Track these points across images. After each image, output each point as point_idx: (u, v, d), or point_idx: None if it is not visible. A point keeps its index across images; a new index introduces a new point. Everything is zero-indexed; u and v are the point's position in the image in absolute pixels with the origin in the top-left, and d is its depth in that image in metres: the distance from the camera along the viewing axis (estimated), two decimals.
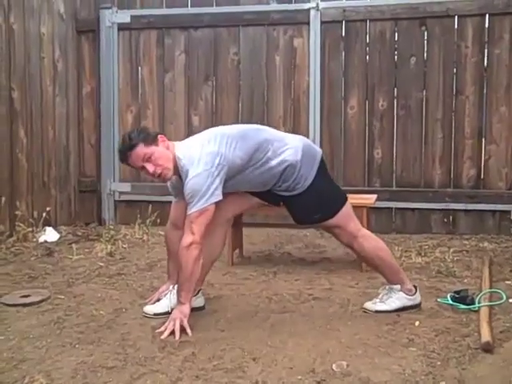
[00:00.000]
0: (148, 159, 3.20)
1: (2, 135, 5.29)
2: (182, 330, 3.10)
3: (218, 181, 3.13)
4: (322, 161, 3.42)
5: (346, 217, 3.41)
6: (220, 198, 3.14)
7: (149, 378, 2.66)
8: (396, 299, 3.43)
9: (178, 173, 3.25)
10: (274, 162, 3.28)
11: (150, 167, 3.21)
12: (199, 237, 3.12)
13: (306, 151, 3.35)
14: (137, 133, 3.27)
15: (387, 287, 3.49)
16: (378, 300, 3.47)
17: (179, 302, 3.20)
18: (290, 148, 3.32)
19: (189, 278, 3.16)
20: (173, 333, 3.09)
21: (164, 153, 3.23)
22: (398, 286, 3.44)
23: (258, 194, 3.45)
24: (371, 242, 3.45)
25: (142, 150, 3.20)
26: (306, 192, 3.32)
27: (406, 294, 3.44)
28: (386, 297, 3.45)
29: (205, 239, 3.18)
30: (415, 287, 3.50)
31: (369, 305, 3.47)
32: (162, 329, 3.14)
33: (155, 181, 3.54)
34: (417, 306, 3.47)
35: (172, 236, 3.53)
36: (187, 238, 3.12)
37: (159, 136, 3.27)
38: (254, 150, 3.27)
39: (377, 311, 3.42)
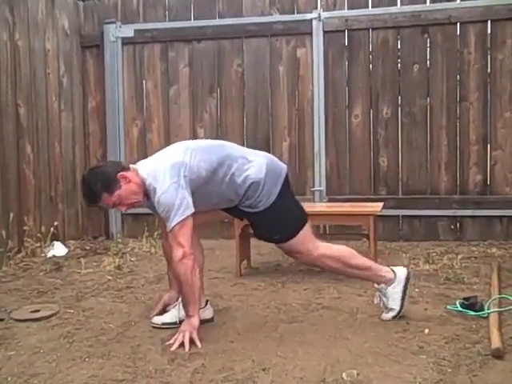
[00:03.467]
0: (117, 203, 3.26)
1: (9, 151, 5.32)
2: (192, 342, 3.10)
3: (187, 191, 3.15)
4: (286, 177, 3.40)
5: (306, 238, 3.36)
6: (193, 208, 3.15)
7: None
8: (392, 299, 3.39)
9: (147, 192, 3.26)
10: (238, 180, 3.27)
11: (121, 208, 3.32)
12: (188, 247, 3.13)
13: (270, 168, 3.34)
14: (93, 185, 3.21)
15: (377, 294, 3.46)
16: (384, 310, 3.45)
17: (188, 315, 3.20)
18: (254, 165, 3.31)
19: (191, 290, 3.17)
20: (182, 345, 3.08)
21: (129, 190, 3.23)
22: (383, 285, 3.41)
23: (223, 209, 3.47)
24: (333, 253, 3.40)
25: (107, 199, 3.23)
26: (268, 210, 3.30)
27: (392, 285, 3.39)
28: (385, 303, 3.43)
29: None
30: (391, 269, 3.44)
31: (384, 316, 3.45)
32: (172, 341, 3.13)
33: None
34: (408, 279, 3.42)
35: (168, 247, 3.56)
36: (178, 252, 3.12)
37: (118, 176, 3.21)
38: (217, 163, 3.27)
39: (393, 318, 3.40)
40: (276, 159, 3.51)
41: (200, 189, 3.22)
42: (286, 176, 3.41)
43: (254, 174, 3.28)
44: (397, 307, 3.40)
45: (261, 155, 3.44)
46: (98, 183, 3.20)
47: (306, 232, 3.37)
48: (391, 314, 3.41)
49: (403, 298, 3.40)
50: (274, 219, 3.32)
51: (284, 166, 3.46)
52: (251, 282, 4.41)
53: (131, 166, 3.36)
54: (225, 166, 3.28)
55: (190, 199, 3.15)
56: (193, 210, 3.15)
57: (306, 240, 3.36)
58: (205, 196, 3.25)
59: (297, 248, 3.36)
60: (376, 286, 3.46)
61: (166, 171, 3.16)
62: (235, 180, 3.27)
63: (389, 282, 3.40)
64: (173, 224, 3.11)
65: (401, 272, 3.45)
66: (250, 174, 3.28)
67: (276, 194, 3.30)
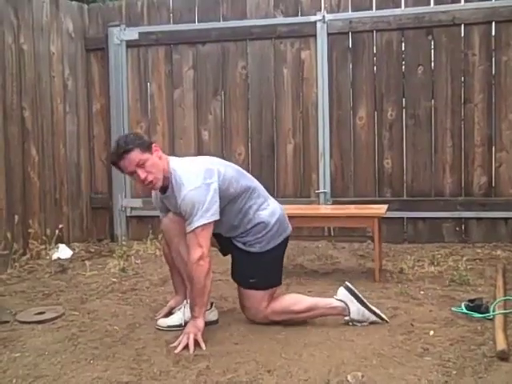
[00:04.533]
0: (141, 165, 3.20)
1: (14, 154, 5.34)
2: (196, 343, 3.11)
3: (216, 196, 3.16)
4: (287, 238, 3.46)
5: (267, 298, 3.38)
6: (219, 216, 3.17)
7: None
8: (362, 317, 3.36)
9: (165, 185, 3.27)
10: (252, 214, 3.33)
11: (141, 173, 3.20)
12: (207, 249, 3.14)
13: (281, 219, 3.42)
14: (133, 137, 3.29)
15: (350, 324, 3.40)
16: (377, 321, 3.41)
17: (193, 317, 3.20)
18: (269, 209, 3.39)
19: (202, 293, 3.17)
20: (187, 347, 3.09)
21: (157, 162, 3.24)
22: (347, 318, 3.39)
23: (216, 234, 3.40)
24: (276, 308, 3.39)
25: (136, 155, 3.19)
26: (260, 255, 3.35)
27: (350, 310, 3.36)
28: (362, 323, 3.38)
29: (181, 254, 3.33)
30: (335, 299, 3.42)
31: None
32: (176, 343, 3.14)
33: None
34: (351, 289, 3.41)
35: (168, 252, 3.58)
36: (195, 253, 3.12)
37: (153, 145, 3.29)
38: (243, 188, 3.32)
39: (384, 319, 3.40)
40: (286, 216, 3.54)
41: (222, 202, 3.23)
42: (288, 237, 3.47)
43: (266, 216, 3.35)
44: (373, 318, 3.39)
45: (278, 205, 3.50)
46: (135, 138, 3.27)
47: (271, 293, 3.42)
48: (378, 319, 3.40)
49: (367, 306, 3.39)
50: (260, 264, 3.36)
51: (290, 227, 3.52)
52: None
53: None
54: (247, 195, 3.34)
55: (217, 205, 3.16)
56: (218, 218, 3.16)
57: (265, 299, 3.38)
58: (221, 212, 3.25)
59: (254, 301, 3.38)
60: (344, 319, 3.41)
61: (200, 172, 3.19)
62: (249, 212, 3.33)
63: (345, 309, 3.38)
64: (196, 225, 3.11)
65: (343, 294, 3.42)
66: (264, 214, 3.36)
67: (274, 245, 3.37)
